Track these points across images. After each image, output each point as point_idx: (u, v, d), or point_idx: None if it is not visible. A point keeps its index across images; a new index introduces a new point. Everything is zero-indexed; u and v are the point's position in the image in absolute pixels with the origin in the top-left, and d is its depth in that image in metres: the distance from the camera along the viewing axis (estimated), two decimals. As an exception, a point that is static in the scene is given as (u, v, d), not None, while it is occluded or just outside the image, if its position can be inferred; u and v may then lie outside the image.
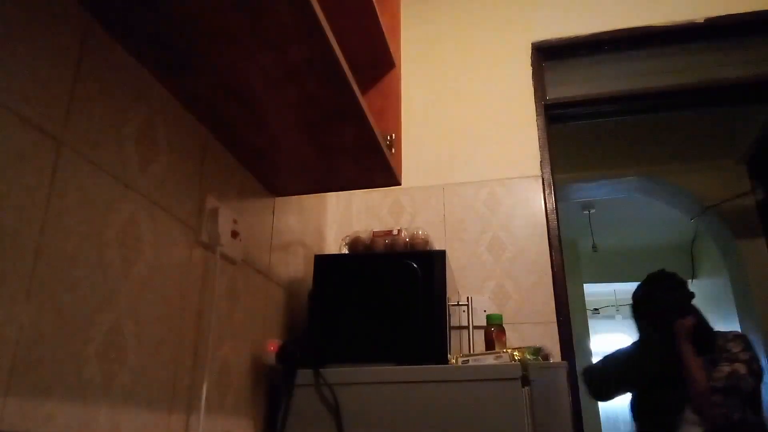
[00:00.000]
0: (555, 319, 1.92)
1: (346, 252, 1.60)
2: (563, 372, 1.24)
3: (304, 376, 1.32)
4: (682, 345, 2.11)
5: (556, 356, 1.83)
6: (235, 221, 1.23)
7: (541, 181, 2.11)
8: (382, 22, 1.39)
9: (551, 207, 2.06)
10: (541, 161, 2.13)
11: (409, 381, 1.26)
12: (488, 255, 2.05)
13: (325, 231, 1.90)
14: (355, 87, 1.06)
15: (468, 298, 1.63)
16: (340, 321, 1.41)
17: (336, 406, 1.26)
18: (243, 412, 1.25)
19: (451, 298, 1.51)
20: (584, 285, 5.04)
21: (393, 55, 1.50)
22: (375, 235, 1.59)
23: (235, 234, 1.22)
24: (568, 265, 2.10)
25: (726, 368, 2.03)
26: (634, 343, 2.31)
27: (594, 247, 4.99)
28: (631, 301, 2.39)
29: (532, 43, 2.31)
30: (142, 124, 0.97)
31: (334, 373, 1.30)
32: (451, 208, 2.16)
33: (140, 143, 0.96)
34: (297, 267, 1.61)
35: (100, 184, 0.86)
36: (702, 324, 2.20)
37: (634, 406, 2.27)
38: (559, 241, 2.02)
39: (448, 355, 1.34)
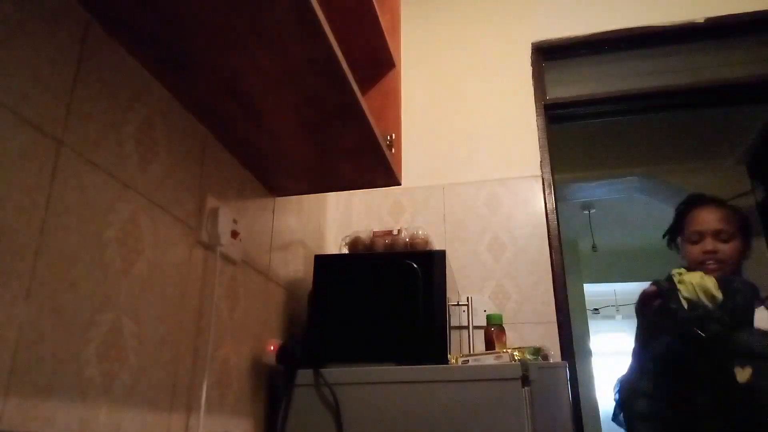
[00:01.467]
0: (555, 319, 1.92)
1: (346, 252, 1.60)
2: (563, 372, 1.24)
3: (304, 376, 1.31)
4: None
5: (556, 356, 1.83)
6: (235, 221, 1.23)
7: (541, 181, 2.11)
8: (382, 22, 1.39)
9: (551, 207, 2.06)
10: (541, 161, 2.13)
11: (409, 381, 1.26)
12: (488, 255, 2.05)
13: (325, 231, 1.90)
14: (355, 87, 1.06)
15: (468, 298, 1.63)
16: (340, 321, 1.41)
17: (336, 406, 1.26)
18: (243, 412, 1.25)
19: (451, 298, 1.51)
20: (584, 285, 5.04)
21: (393, 55, 1.50)
22: (375, 235, 1.59)
23: (235, 234, 1.22)
24: (568, 265, 2.10)
25: None
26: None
27: (594, 247, 4.99)
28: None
29: (532, 43, 2.31)
30: (142, 124, 0.97)
31: (334, 373, 1.30)
32: (451, 208, 2.16)
33: (140, 143, 0.96)
34: (297, 267, 1.61)
35: (100, 184, 0.86)
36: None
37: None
38: (559, 241, 2.02)
39: (448, 355, 1.34)
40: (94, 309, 0.83)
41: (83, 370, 0.80)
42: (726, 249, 1.55)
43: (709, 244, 1.56)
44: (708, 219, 1.59)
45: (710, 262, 1.55)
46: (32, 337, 0.72)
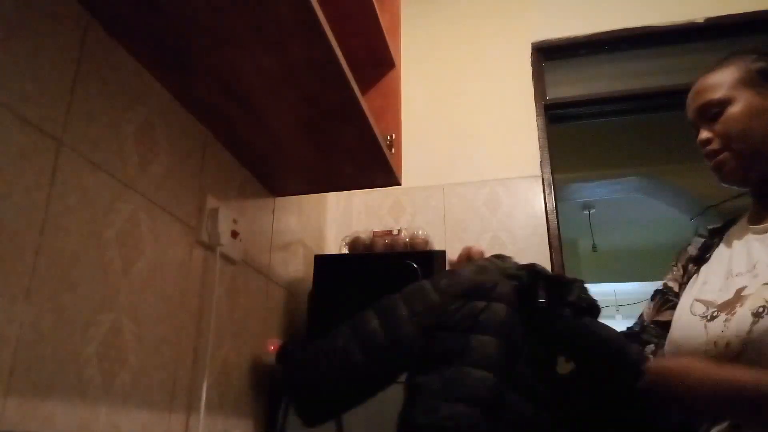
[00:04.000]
0: (555, 319, 1.91)
1: (346, 252, 1.60)
2: (563, 372, 1.24)
3: (304, 376, 1.31)
4: None
5: (556, 356, 1.83)
6: (235, 221, 1.23)
7: (541, 181, 2.10)
8: (382, 22, 1.39)
9: (551, 207, 2.06)
10: (541, 161, 2.13)
11: (409, 381, 1.26)
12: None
13: (325, 231, 1.90)
14: (355, 87, 1.06)
15: (468, 298, 1.62)
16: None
17: (336, 406, 1.26)
18: (243, 412, 1.25)
19: (451, 298, 1.50)
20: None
21: (393, 55, 1.50)
22: (375, 235, 1.59)
23: (235, 234, 1.22)
24: (568, 265, 2.09)
25: None
26: None
27: (594, 247, 4.98)
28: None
29: (532, 43, 2.31)
30: (142, 124, 0.97)
31: (334, 373, 1.30)
32: (451, 208, 2.15)
33: (140, 143, 0.96)
34: (297, 267, 1.61)
35: (100, 184, 0.86)
36: None
37: None
38: (559, 241, 2.02)
39: (448, 355, 1.34)
40: (94, 309, 0.83)
41: (83, 370, 0.80)
42: (720, 127, 0.98)
43: (701, 133, 1.01)
44: (688, 101, 1.05)
45: (709, 156, 1.02)
46: (32, 337, 0.72)
